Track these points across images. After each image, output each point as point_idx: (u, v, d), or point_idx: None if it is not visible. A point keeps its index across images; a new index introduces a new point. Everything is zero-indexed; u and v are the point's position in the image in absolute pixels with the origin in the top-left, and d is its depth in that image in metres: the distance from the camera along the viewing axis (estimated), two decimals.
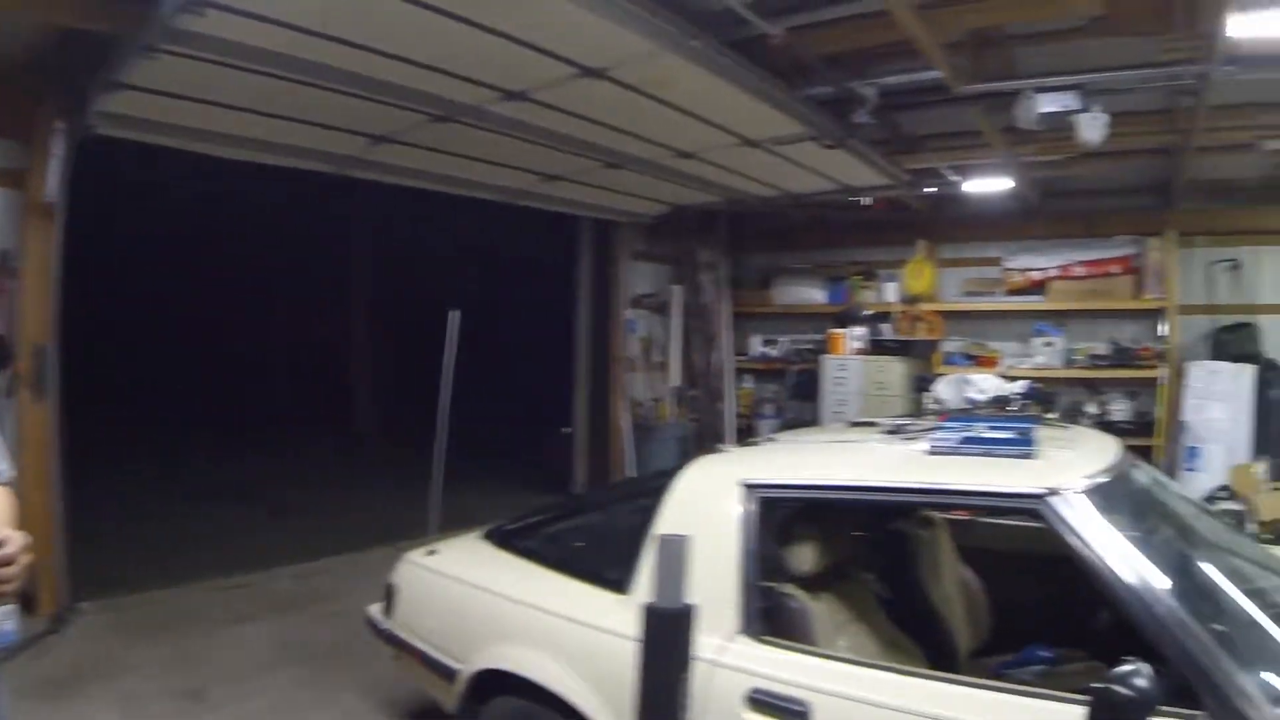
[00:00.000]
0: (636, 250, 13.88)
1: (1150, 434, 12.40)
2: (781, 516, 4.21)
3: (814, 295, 14.92)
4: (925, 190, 11.97)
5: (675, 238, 14.21)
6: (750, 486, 4.02)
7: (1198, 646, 3.08)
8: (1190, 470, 11.56)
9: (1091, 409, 13.15)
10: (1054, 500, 3.50)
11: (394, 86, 6.88)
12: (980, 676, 3.96)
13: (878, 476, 4.08)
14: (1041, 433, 4.29)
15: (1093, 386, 13.39)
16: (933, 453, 4.04)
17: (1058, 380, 13.14)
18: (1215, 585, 4.03)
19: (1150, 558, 3.46)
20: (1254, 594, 3.97)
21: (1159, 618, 3.16)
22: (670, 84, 7.12)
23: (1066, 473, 3.72)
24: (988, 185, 11.58)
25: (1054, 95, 7.85)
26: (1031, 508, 3.56)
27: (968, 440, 4.04)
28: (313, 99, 6.99)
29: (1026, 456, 3.89)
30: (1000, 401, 10.69)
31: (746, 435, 13.33)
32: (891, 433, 4.71)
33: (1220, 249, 13.34)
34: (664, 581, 2.95)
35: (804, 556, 4.13)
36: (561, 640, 4.17)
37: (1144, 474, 4.62)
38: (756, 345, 15.43)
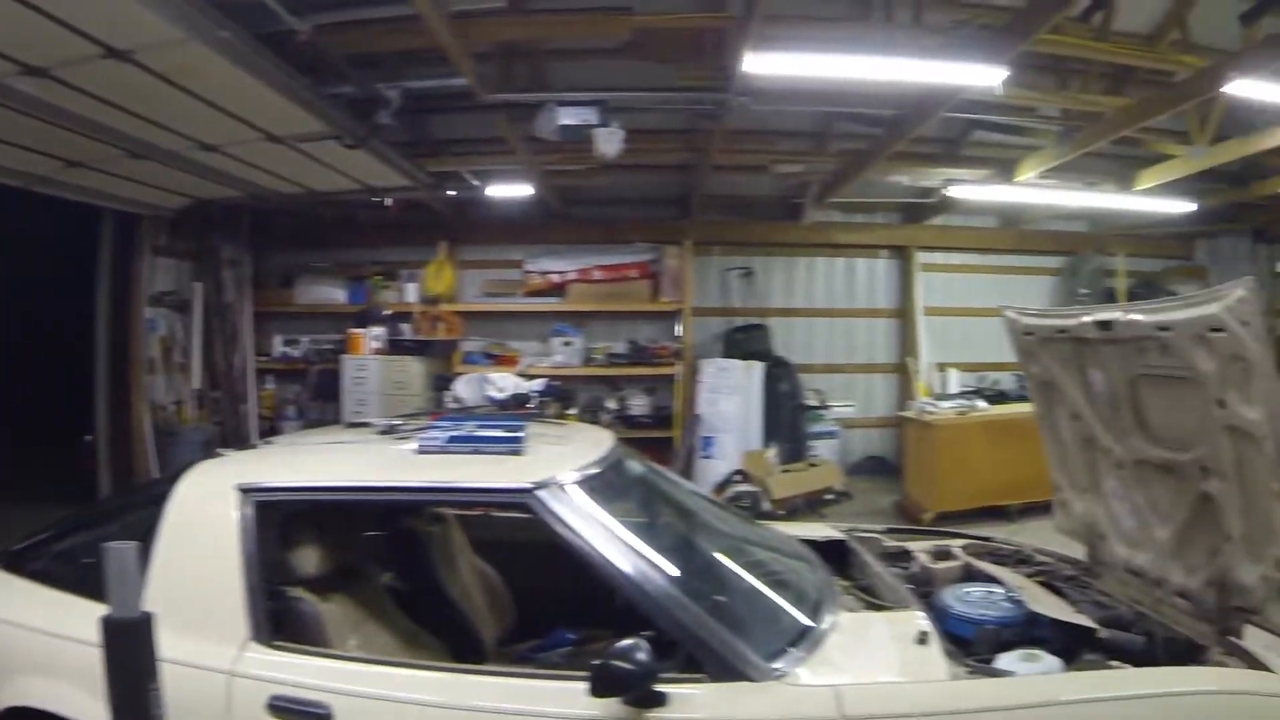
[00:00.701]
0: (159, 245, 12.86)
1: (669, 427, 13.21)
2: (283, 519, 4.08)
3: (336, 295, 14.53)
4: (449, 193, 12.06)
5: (198, 233, 13.33)
6: (246, 491, 3.90)
7: (689, 618, 3.39)
8: (707, 458, 12.40)
9: (612, 405, 13.78)
10: (542, 494, 3.70)
11: None
12: (508, 663, 4.22)
13: (367, 476, 4.15)
14: (533, 430, 4.49)
15: (613, 384, 14.05)
16: (421, 452, 4.11)
17: (577, 378, 13.59)
18: (710, 560, 4.43)
19: (641, 540, 3.73)
20: (750, 565, 4.37)
21: (651, 595, 3.45)
22: (196, 73, 6.75)
23: (553, 467, 3.92)
24: (510, 191, 11.83)
25: (574, 109, 8.15)
26: (520, 501, 3.74)
27: (455, 439, 4.13)
28: None
29: (515, 453, 4.05)
30: (519, 400, 10.86)
31: (270, 437, 12.63)
32: (385, 433, 4.81)
33: (735, 258, 14.60)
34: (116, 591, 2.79)
35: (310, 558, 4.06)
36: (81, 666, 3.64)
37: (638, 465, 4.91)
38: (279, 345, 14.70)
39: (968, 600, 4.39)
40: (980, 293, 14.98)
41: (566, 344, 13.54)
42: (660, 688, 3.18)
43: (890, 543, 5.50)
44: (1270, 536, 3.74)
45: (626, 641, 3.12)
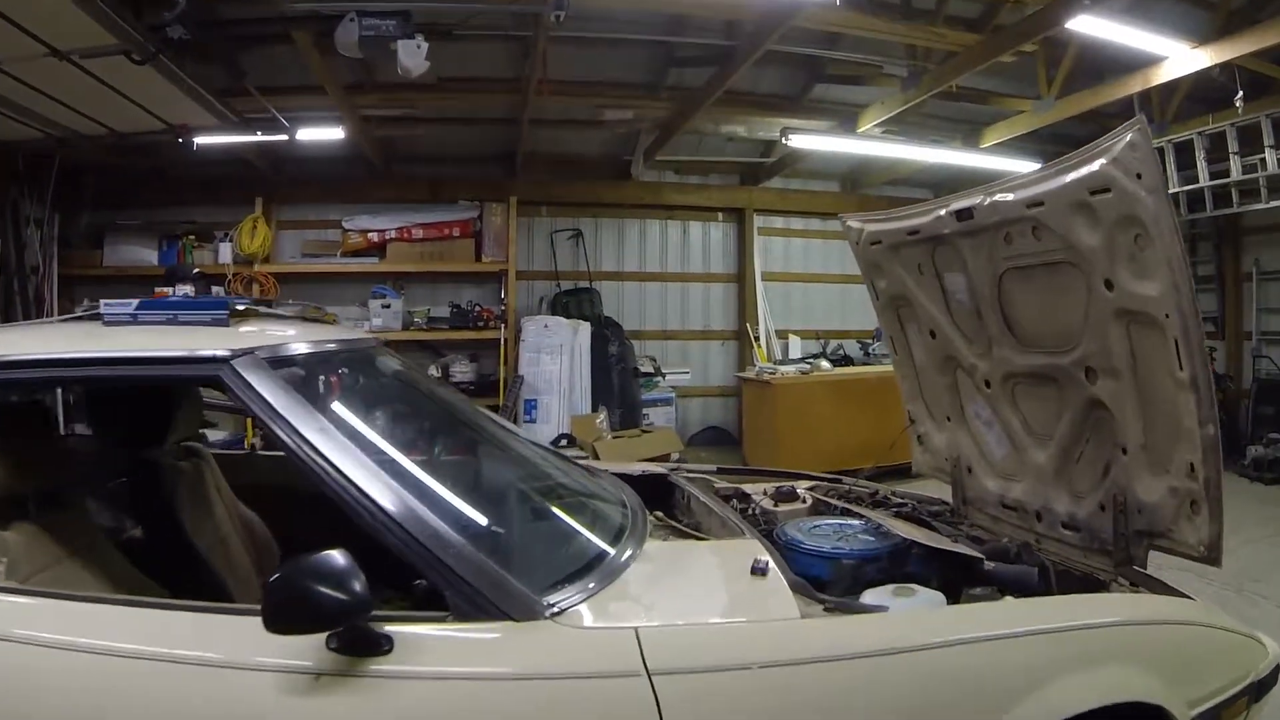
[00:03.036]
0: None
1: (496, 394, 12.33)
2: None
3: (147, 256, 13.15)
4: (261, 136, 10.97)
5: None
6: None
7: (423, 532, 2.53)
8: (530, 421, 11.58)
9: (434, 371, 12.93)
10: (240, 364, 2.84)
11: None
12: None
13: (31, 350, 3.09)
14: (268, 313, 3.77)
15: (435, 349, 13.25)
16: (108, 322, 3.25)
17: (397, 343, 12.45)
18: (476, 476, 3.74)
19: (380, 440, 2.98)
20: (532, 485, 3.70)
21: (373, 503, 2.56)
22: None
23: (263, 337, 3.16)
24: (324, 134, 10.82)
25: (375, 20, 7.27)
26: (212, 374, 2.85)
27: (146, 305, 3.28)
28: None
29: (220, 324, 3.21)
30: None
31: None
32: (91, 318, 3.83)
33: (563, 219, 13.91)
34: None
35: None
36: None
37: (398, 365, 4.20)
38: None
39: (818, 534, 3.71)
40: (821, 258, 14.87)
41: (385, 306, 12.64)
42: (389, 628, 2.37)
43: (723, 484, 4.80)
44: (1177, 437, 3.16)
45: (333, 555, 2.29)
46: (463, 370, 12.98)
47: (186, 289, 11.89)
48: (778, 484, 4.77)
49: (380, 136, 12.03)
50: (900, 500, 4.73)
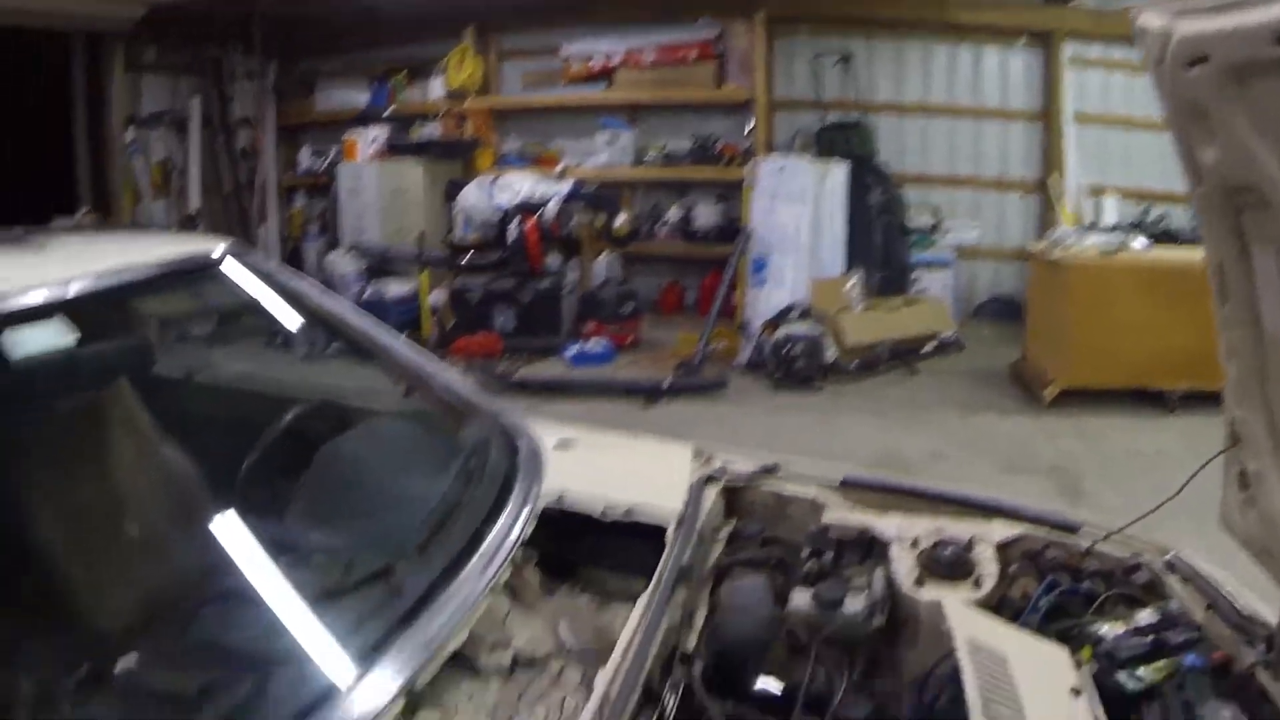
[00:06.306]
0: (145, 62, 11.95)
1: None
2: None
3: (357, 99, 13.02)
4: None
5: (197, 45, 12.27)
6: None
7: None
8: (759, 285, 9.59)
9: (674, 214, 11.65)
10: None
11: None
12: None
13: None
14: None
15: (678, 189, 11.83)
16: None
17: (628, 182, 11.60)
18: None
19: None
20: None
21: None
22: None
23: None
24: None
25: None
26: None
27: None
28: None
29: None
30: (528, 208, 9.51)
31: (293, 261, 12.23)
32: None
33: (827, 40, 11.70)
34: None
35: None
36: None
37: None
38: (306, 159, 13.58)
39: None
40: (1148, 99, 11.64)
41: (610, 141, 11.03)
42: None
43: (837, 514, 2.67)
44: None
45: None
46: (706, 214, 11.57)
47: (378, 130, 11.74)
48: (942, 523, 2.56)
49: None
50: (1174, 611, 2.34)
